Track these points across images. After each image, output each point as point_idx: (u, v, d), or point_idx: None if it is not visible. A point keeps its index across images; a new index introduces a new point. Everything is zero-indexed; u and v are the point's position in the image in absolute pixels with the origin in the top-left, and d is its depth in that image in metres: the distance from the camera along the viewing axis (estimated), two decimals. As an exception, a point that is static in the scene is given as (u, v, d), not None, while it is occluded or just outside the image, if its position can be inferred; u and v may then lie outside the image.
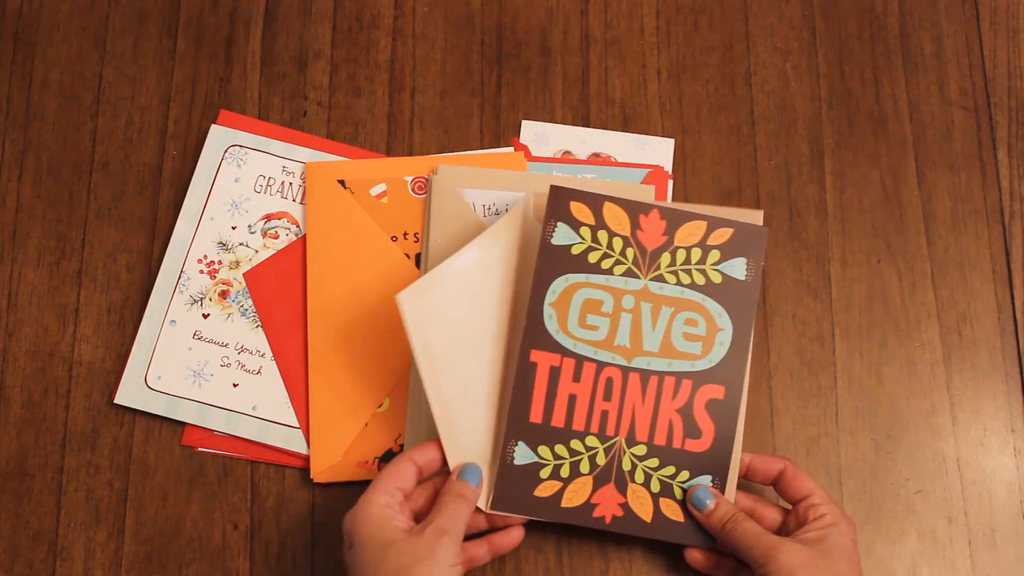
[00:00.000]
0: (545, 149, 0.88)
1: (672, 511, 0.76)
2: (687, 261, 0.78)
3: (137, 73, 0.90)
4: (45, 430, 0.82)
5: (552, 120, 0.89)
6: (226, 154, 0.87)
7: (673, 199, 0.87)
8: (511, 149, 0.88)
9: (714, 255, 0.78)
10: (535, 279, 0.78)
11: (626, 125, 0.89)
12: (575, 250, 0.78)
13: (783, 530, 0.76)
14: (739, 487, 0.78)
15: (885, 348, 0.85)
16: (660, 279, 0.78)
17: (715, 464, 0.77)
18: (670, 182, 0.87)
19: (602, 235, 0.78)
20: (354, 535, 0.70)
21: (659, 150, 0.88)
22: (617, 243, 0.78)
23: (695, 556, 0.77)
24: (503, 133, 0.89)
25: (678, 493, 0.76)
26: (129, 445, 0.82)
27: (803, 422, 0.83)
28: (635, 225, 0.78)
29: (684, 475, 0.76)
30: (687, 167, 0.88)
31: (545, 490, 0.76)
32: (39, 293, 0.85)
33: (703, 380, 0.77)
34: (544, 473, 0.76)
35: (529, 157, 0.87)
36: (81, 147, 0.88)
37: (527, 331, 0.77)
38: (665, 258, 0.78)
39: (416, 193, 0.86)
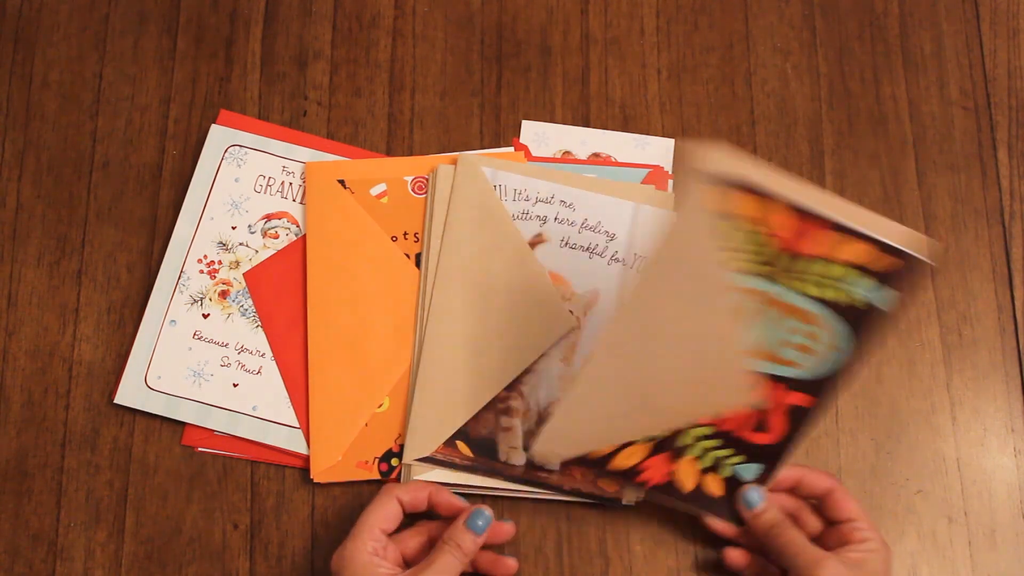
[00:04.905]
0: (545, 149, 0.88)
1: (715, 485, 0.76)
2: (840, 278, 0.70)
3: (137, 73, 0.90)
4: (45, 430, 0.82)
5: (552, 120, 0.89)
6: (226, 154, 0.87)
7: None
8: (511, 149, 0.88)
9: (869, 281, 0.70)
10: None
11: (626, 125, 0.89)
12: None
13: (819, 542, 0.75)
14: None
15: (885, 348, 0.84)
16: (800, 289, 0.71)
17: (771, 455, 0.76)
18: (670, 182, 0.87)
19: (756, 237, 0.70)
20: None
21: (659, 150, 0.88)
22: (768, 244, 0.70)
23: (733, 556, 0.77)
24: (503, 133, 0.89)
25: (726, 471, 0.76)
26: (129, 445, 0.82)
27: (803, 422, 0.83)
28: (797, 231, 0.69)
29: (739, 458, 0.76)
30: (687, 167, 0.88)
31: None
32: (39, 293, 0.85)
33: (796, 387, 0.74)
34: None
35: (529, 157, 0.87)
36: (81, 147, 0.88)
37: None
38: (816, 267, 0.70)
39: (416, 193, 0.86)
